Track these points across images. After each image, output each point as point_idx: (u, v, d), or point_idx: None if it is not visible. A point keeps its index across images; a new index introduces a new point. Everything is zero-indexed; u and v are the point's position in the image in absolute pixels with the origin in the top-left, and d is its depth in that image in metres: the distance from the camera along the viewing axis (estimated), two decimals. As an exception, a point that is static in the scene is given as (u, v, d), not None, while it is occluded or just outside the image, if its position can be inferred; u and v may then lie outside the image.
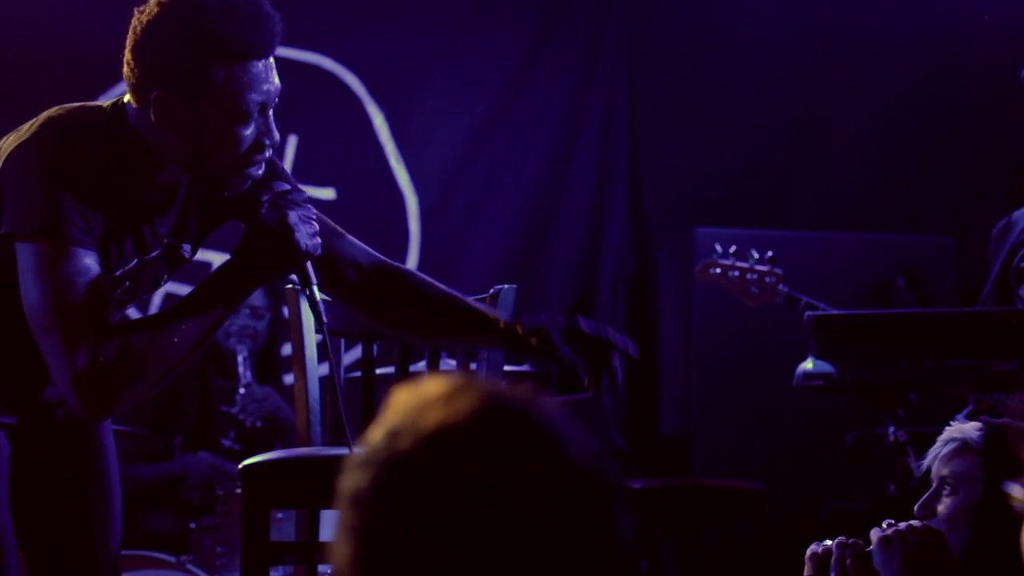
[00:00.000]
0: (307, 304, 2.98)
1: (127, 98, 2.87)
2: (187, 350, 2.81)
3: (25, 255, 2.74)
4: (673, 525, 5.99)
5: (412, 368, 3.70)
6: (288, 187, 2.93)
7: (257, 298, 6.04)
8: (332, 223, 3.14)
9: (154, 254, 2.95)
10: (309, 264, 2.92)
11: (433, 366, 3.58)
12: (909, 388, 4.36)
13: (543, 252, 7.25)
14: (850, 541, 2.78)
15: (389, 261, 3.20)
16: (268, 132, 2.88)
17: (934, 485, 2.90)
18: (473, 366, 3.49)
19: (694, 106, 7.30)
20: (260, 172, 2.90)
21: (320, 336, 3.18)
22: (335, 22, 7.04)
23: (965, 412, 4.91)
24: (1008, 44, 6.89)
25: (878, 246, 6.72)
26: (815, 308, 4.98)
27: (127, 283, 2.93)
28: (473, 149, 7.17)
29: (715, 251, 5.38)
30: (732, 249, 5.36)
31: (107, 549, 3.10)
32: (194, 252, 3.08)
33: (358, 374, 3.75)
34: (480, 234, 7.17)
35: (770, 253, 5.32)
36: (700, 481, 6.11)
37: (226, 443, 5.97)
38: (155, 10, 2.80)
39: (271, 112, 2.90)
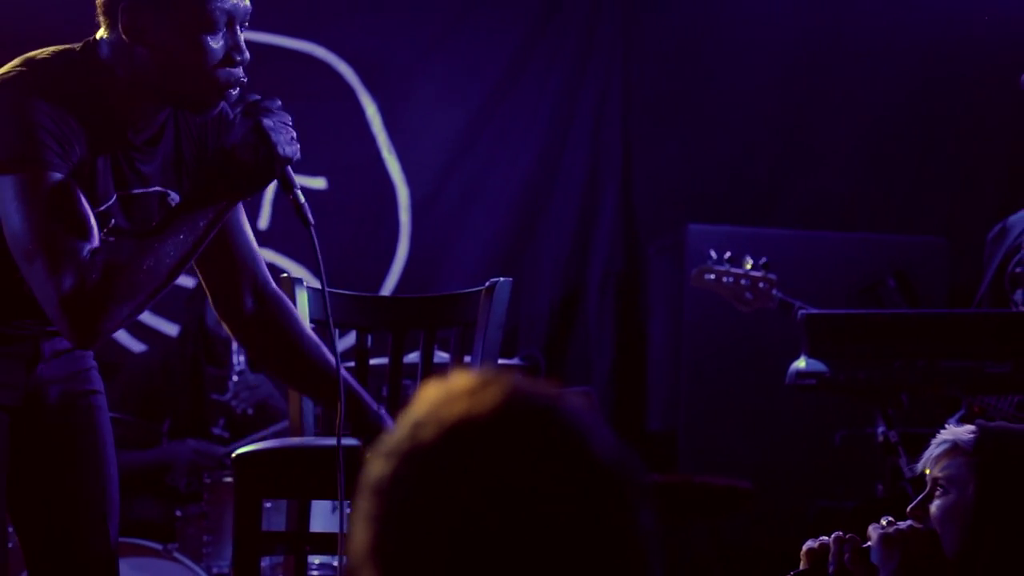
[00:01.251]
0: (296, 213, 2.93)
1: (99, 35, 2.89)
2: (173, 267, 2.81)
3: (5, 185, 2.75)
4: (660, 522, 5.98)
5: (406, 359, 3.69)
6: (259, 96, 2.91)
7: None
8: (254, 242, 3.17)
9: (136, 191, 2.94)
10: (290, 169, 2.90)
11: (427, 357, 3.57)
12: (902, 388, 4.37)
13: (534, 245, 7.24)
14: (847, 536, 2.79)
15: (283, 298, 3.21)
16: (237, 47, 2.87)
17: (928, 487, 2.93)
18: (467, 358, 3.48)
19: (688, 103, 7.30)
20: (235, 91, 2.90)
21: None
22: (330, 11, 7.04)
23: (958, 416, 4.91)
24: (1004, 46, 6.90)
25: (870, 246, 6.72)
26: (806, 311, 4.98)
27: (112, 221, 2.92)
28: (466, 141, 7.17)
29: (710, 257, 5.38)
30: (727, 255, 5.35)
31: (104, 534, 3.09)
32: None
33: (351, 364, 3.74)
34: (471, 227, 7.16)
35: (764, 259, 5.32)
36: (688, 478, 6.11)
37: (215, 431, 5.95)
38: None
39: (239, 29, 2.88)
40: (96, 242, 2.76)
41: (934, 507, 2.88)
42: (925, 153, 7.25)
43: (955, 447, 2.88)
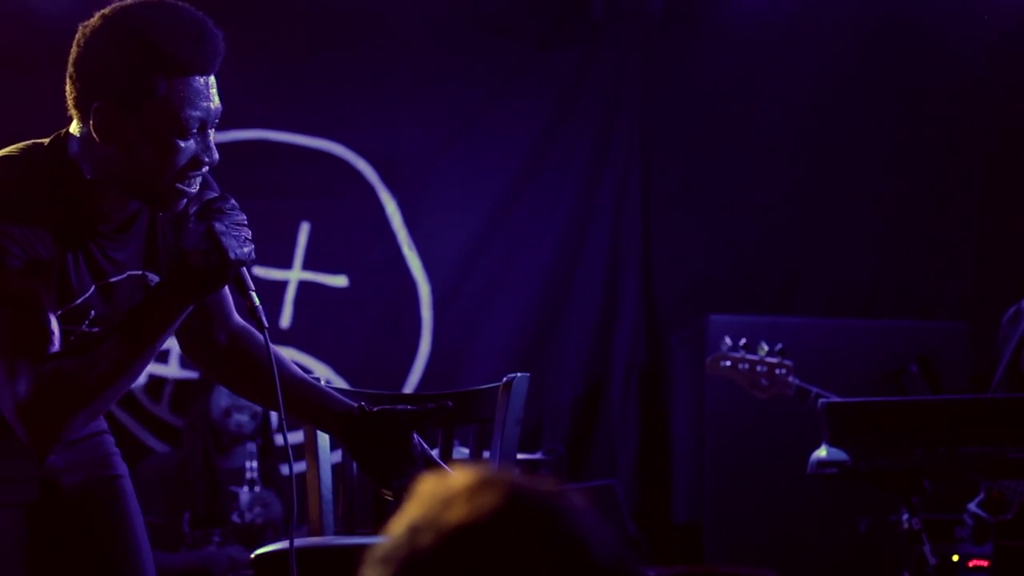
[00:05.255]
0: (250, 315, 2.91)
1: (71, 128, 2.88)
2: (127, 373, 2.79)
3: None
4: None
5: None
6: (215, 195, 2.90)
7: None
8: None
9: (114, 279, 2.93)
10: (244, 271, 2.88)
11: (446, 454, 3.57)
12: (923, 475, 4.35)
13: (555, 339, 7.24)
14: None
15: (250, 329, 3.20)
16: (207, 150, 2.85)
17: None
18: (486, 454, 3.48)
19: (707, 192, 7.33)
20: (194, 189, 2.88)
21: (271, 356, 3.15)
22: (348, 110, 7.09)
23: (977, 501, 4.89)
24: (1017, 129, 6.92)
25: (891, 332, 6.71)
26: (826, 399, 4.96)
27: (93, 312, 2.90)
28: (486, 236, 7.19)
29: (725, 343, 5.37)
30: (742, 342, 5.34)
31: None
32: None
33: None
34: (492, 321, 7.17)
35: (780, 345, 5.31)
36: (714, 569, 6.08)
37: (235, 519, 5.96)
38: (99, 23, 2.81)
39: (210, 131, 2.88)
40: (56, 346, 2.75)
41: None
42: (944, 238, 7.26)
43: None
